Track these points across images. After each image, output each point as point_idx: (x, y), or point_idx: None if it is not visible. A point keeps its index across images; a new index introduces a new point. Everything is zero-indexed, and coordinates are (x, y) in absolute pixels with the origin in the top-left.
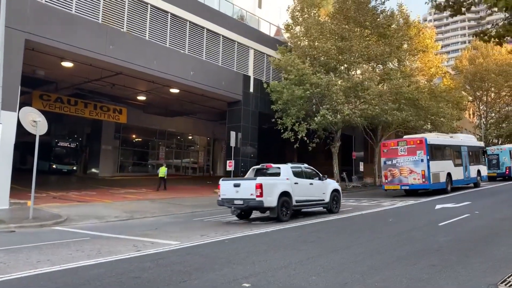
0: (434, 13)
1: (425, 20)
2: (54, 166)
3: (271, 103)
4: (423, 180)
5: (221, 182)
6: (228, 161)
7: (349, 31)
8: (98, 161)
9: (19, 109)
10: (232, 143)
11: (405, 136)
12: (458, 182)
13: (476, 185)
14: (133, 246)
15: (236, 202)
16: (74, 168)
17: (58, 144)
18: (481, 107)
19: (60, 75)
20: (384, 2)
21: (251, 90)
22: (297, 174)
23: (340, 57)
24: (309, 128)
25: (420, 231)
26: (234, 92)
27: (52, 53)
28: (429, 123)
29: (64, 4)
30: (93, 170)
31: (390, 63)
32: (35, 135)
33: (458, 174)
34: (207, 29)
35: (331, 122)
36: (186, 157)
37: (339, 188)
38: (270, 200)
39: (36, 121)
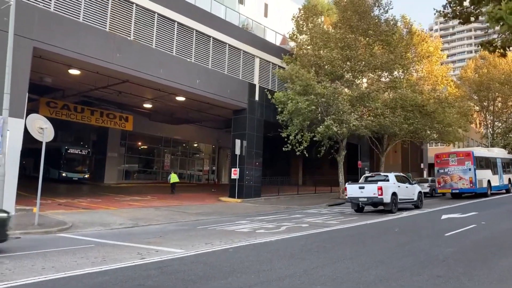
0: (440, 23)
1: (431, 29)
2: (64, 174)
3: (277, 113)
4: (471, 185)
5: (347, 185)
6: (233, 169)
7: (354, 40)
8: (104, 168)
9: (26, 116)
10: (237, 151)
11: (453, 149)
12: (494, 188)
13: (508, 191)
14: (138, 253)
15: (361, 199)
16: (86, 176)
17: (68, 151)
18: (487, 117)
19: (67, 82)
20: (387, 11)
21: (257, 98)
22: (398, 180)
23: (344, 65)
24: (314, 138)
25: (426, 241)
26: (239, 100)
27: (60, 60)
28: (435, 133)
29: (71, 12)
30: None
31: (395, 71)
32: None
33: (495, 181)
34: (213, 38)
35: (336, 132)
36: (191, 164)
37: (422, 190)
38: (387, 197)
39: (43, 128)
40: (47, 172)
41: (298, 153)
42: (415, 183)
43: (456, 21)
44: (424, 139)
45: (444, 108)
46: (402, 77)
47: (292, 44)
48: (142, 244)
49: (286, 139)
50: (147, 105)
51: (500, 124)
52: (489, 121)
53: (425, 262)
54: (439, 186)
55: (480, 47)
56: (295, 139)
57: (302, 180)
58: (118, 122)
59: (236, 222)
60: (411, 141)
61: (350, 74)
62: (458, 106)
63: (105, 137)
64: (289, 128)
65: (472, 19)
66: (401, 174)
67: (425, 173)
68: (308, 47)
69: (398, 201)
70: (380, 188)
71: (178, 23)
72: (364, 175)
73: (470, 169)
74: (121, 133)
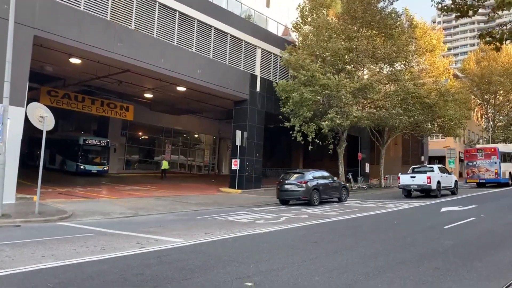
0: (444, 15)
1: (434, 22)
2: (82, 167)
3: (280, 104)
4: (496, 176)
5: (400, 175)
6: (233, 160)
7: (356, 31)
8: None
9: (27, 104)
10: (238, 142)
11: (478, 146)
12: None
13: None
14: (137, 242)
15: (412, 186)
16: (106, 168)
17: (86, 142)
18: (489, 110)
19: (68, 71)
20: (392, 3)
21: (258, 89)
22: (440, 171)
23: (346, 56)
24: (318, 130)
25: (425, 233)
26: (240, 91)
27: (61, 49)
28: (436, 125)
29: (73, 0)
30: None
31: (397, 64)
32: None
33: None
34: (215, 28)
35: (339, 124)
36: (191, 155)
37: (457, 179)
38: (434, 185)
39: (43, 117)
40: (63, 164)
41: (310, 147)
42: (452, 174)
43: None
44: (425, 132)
45: (446, 102)
46: (403, 69)
47: (294, 34)
48: (142, 234)
49: (291, 132)
50: (148, 95)
51: (501, 117)
52: (490, 114)
53: (424, 254)
54: (468, 176)
55: (479, 38)
56: (300, 131)
57: None
58: (119, 111)
59: (236, 212)
60: (412, 134)
61: (352, 65)
62: (459, 97)
63: (106, 127)
64: (291, 119)
65: (471, 13)
66: (442, 166)
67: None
68: (312, 38)
69: (441, 188)
70: (429, 178)
71: (180, 12)
72: (412, 167)
73: (495, 163)
74: (121, 123)
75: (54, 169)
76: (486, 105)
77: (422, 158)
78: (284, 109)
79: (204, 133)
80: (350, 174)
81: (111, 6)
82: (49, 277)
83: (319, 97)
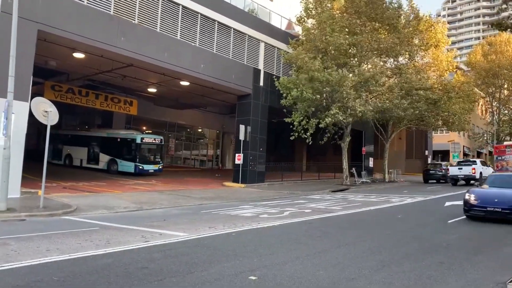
0: (448, 8)
1: (438, 15)
2: (141, 167)
3: (281, 98)
4: None
5: (449, 167)
6: (237, 154)
7: (360, 25)
8: None
9: (31, 99)
10: (241, 137)
11: (505, 142)
12: None
13: None
14: (142, 236)
15: (459, 176)
16: (160, 167)
17: (144, 141)
18: (493, 104)
19: (71, 66)
20: None
21: (261, 83)
22: (482, 164)
23: (350, 50)
24: (319, 125)
25: (429, 228)
26: (244, 86)
27: (64, 44)
28: (440, 120)
29: None
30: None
31: (401, 57)
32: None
33: None
34: (218, 22)
35: (342, 121)
36: (195, 149)
37: (493, 170)
38: (477, 175)
39: (47, 111)
40: (112, 164)
41: (308, 141)
42: (489, 166)
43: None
44: (429, 126)
45: (450, 98)
46: (407, 63)
47: (298, 28)
48: (146, 228)
49: (291, 126)
50: (152, 90)
51: (506, 111)
52: (495, 108)
53: (428, 249)
54: (497, 169)
55: (491, 26)
56: (300, 126)
57: (306, 166)
58: (123, 106)
59: (240, 206)
60: (416, 128)
61: (356, 60)
62: (463, 90)
63: (110, 121)
64: (293, 113)
65: None
66: (482, 160)
67: (429, 160)
68: (315, 32)
69: (482, 177)
70: (474, 169)
71: (183, 6)
72: (457, 160)
73: None
74: (125, 117)
75: (96, 169)
76: (491, 99)
77: (426, 152)
78: (283, 101)
79: (208, 128)
80: (354, 168)
81: (114, 0)
82: (54, 271)
83: (318, 96)
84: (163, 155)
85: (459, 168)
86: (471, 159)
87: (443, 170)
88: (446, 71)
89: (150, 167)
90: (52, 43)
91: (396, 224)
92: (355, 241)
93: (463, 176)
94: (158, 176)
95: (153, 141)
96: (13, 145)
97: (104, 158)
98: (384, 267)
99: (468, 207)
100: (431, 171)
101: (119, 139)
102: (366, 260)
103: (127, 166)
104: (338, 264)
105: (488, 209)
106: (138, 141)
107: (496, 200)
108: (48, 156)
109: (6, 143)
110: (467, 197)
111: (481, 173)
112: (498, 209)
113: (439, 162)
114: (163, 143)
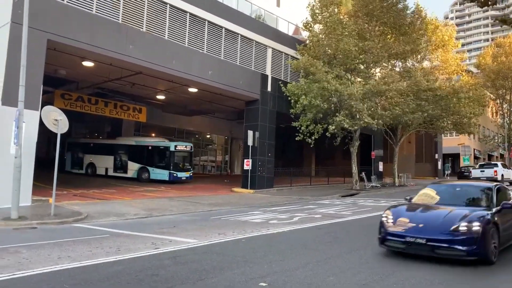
0: (456, 11)
1: (446, 17)
2: (175, 175)
3: (290, 106)
4: None
5: (472, 170)
6: (245, 160)
7: (370, 30)
8: None
9: (41, 108)
10: (250, 142)
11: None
12: None
13: None
14: (152, 243)
15: (482, 178)
16: (191, 174)
17: (177, 148)
18: (504, 106)
19: (81, 74)
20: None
21: (269, 89)
22: (503, 166)
23: (360, 56)
24: (326, 131)
25: None
26: (252, 91)
27: (73, 52)
28: (449, 122)
29: (84, 4)
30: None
31: (410, 60)
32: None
33: None
34: (226, 29)
35: (347, 129)
36: (204, 155)
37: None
38: (499, 176)
39: (57, 120)
40: (143, 172)
41: (311, 144)
42: (511, 169)
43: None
44: (438, 129)
45: (459, 99)
46: (416, 66)
47: (305, 33)
48: (156, 234)
49: (298, 129)
50: (160, 97)
51: None
52: (506, 110)
53: None
54: None
55: (495, 21)
56: (307, 129)
57: (315, 171)
58: (132, 113)
59: (249, 212)
60: (426, 132)
61: (364, 65)
62: (474, 94)
63: (119, 129)
64: (300, 118)
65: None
66: (503, 162)
67: (439, 163)
68: (322, 37)
69: (504, 179)
70: (496, 171)
71: (190, 13)
72: (479, 163)
73: None
74: (135, 125)
75: (124, 177)
76: (501, 101)
77: (436, 155)
78: (293, 110)
79: (216, 134)
80: (363, 173)
81: (123, 9)
82: (65, 278)
83: (326, 105)
84: (192, 162)
85: (481, 171)
86: (493, 162)
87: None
88: (455, 73)
89: (183, 174)
90: (61, 52)
91: None
92: (365, 246)
93: (485, 178)
94: (167, 183)
95: (185, 149)
96: (24, 154)
97: (133, 167)
98: (395, 272)
99: (383, 234)
100: (465, 174)
101: (150, 147)
102: (377, 265)
103: (161, 174)
104: (349, 270)
105: (408, 239)
106: (172, 148)
107: (421, 225)
108: (67, 165)
109: (17, 152)
110: (383, 217)
111: (502, 175)
112: (421, 240)
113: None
114: (193, 150)
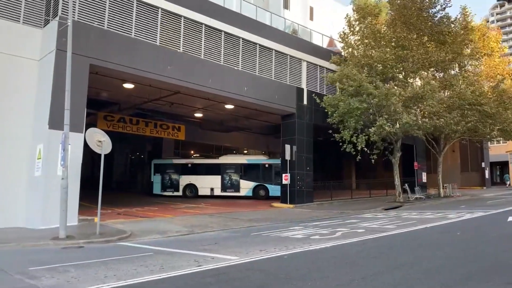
0: (497, 14)
1: (487, 21)
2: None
3: (327, 116)
4: None
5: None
6: (283, 175)
7: (408, 39)
8: None
9: (85, 130)
10: (287, 156)
11: None
12: None
13: None
14: (194, 261)
15: None
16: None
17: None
18: None
19: (122, 96)
20: (444, 8)
21: (305, 102)
22: None
23: (399, 65)
24: (368, 139)
25: (492, 245)
26: (287, 105)
27: (115, 75)
28: (496, 130)
29: (124, 29)
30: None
31: (451, 70)
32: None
33: None
34: (260, 45)
35: (390, 132)
36: None
37: None
38: None
39: (101, 141)
40: (261, 190)
41: (358, 156)
42: None
43: None
44: (484, 137)
45: (506, 109)
46: (458, 75)
47: (340, 45)
48: (198, 251)
49: (340, 143)
50: (198, 115)
51: None
52: None
53: (492, 268)
54: None
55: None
56: (350, 140)
57: (355, 184)
58: (171, 132)
59: (290, 228)
60: (470, 140)
61: (403, 74)
62: None
63: (160, 147)
64: (341, 132)
65: None
66: None
67: (486, 172)
68: (360, 47)
69: None
70: None
71: (225, 32)
72: None
73: None
74: (174, 143)
75: (235, 196)
76: None
77: (483, 164)
78: (330, 119)
79: (253, 149)
80: (406, 184)
81: (160, 32)
82: None
83: (365, 104)
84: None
85: None
86: None
87: None
88: (501, 77)
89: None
90: (103, 76)
91: (455, 242)
92: (412, 261)
93: None
94: (207, 200)
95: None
96: (70, 175)
97: (247, 185)
98: None
99: None
100: None
101: (266, 165)
102: (426, 281)
103: (275, 190)
104: (397, 286)
105: None
106: (276, 166)
107: None
108: (156, 188)
109: (64, 173)
110: None
111: None
112: None
113: None
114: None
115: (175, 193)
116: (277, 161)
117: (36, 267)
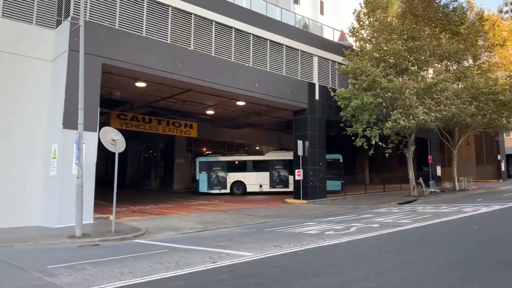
0: (511, 3)
1: (500, 11)
2: (344, 183)
3: (340, 110)
4: None
5: None
6: (296, 170)
7: (419, 30)
8: (172, 175)
9: (99, 129)
10: (300, 152)
11: None
12: None
13: None
14: (209, 257)
15: None
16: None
17: (341, 161)
18: None
19: (134, 94)
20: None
21: (317, 97)
22: None
23: (410, 57)
24: (382, 133)
25: (510, 239)
26: (299, 101)
27: (127, 74)
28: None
29: (135, 28)
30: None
31: (465, 61)
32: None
33: None
34: (270, 41)
35: (404, 127)
36: None
37: None
38: None
39: (115, 140)
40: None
41: (371, 151)
42: None
43: None
44: (500, 129)
45: None
46: (472, 66)
47: (351, 39)
48: (213, 248)
49: (352, 137)
50: (210, 112)
51: None
52: None
53: (510, 262)
54: None
55: None
56: (363, 134)
57: (369, 179)
58: (184, 129)
59: (303, 223)
60: (485, 132)
61: (416, 66)
62: None
63: (172, 145)
64: (353, 126)
65: None
66: None
67: (503, 165)
68: (371, 41)
69: None
70: None
71: (235, 29)
72: None
73: None
74: (187, 140)
75: (284, 192)
76: None
77: (499, 157)
78: (343, 113)
79: (265, 145)
80: (421, 178)
81: (171, 30)
82: None
83: (380, 100)
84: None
85: None
86: None
87: None
88: None
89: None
90: (115, 75)
91: (471, 236)
92: (428, 256)
93: None
94: (220, 197)
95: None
96: (85, 174)
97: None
98: (463, 283)
99: None
100: None
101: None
102: (443, 276)
103: (334, 184)
104: (413, 281)
105: None
106: (341, 160)
107: None
108: (202, 187)
109: (79, 172)
110: None
111: None
112: None
113: None
114: (341, 161)
115: (222, 191)
116: (332, 156)
117: (54, 265)
